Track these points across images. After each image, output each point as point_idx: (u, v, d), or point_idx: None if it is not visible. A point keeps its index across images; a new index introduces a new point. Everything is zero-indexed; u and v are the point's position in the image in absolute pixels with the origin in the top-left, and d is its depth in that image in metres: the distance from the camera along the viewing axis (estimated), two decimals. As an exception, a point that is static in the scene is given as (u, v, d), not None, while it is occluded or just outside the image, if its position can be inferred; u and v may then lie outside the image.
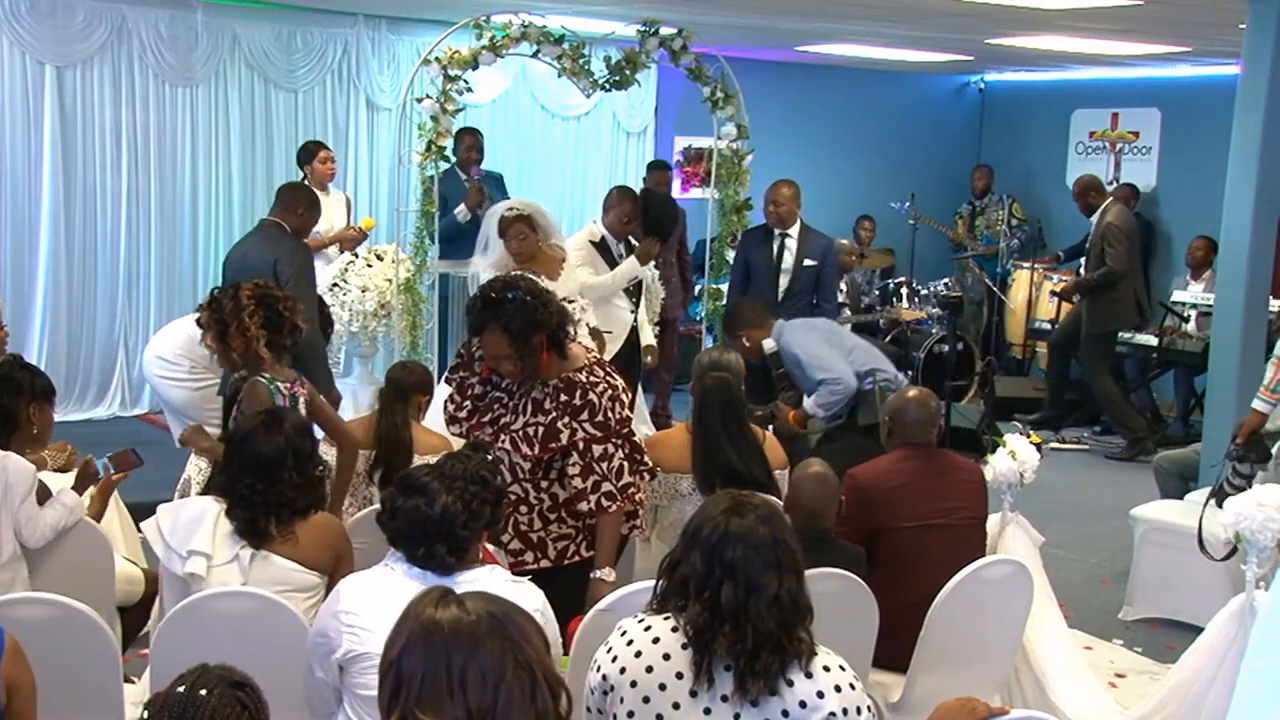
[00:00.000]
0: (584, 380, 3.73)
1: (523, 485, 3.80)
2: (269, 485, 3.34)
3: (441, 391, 4.49)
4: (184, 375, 6.32)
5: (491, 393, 3.85)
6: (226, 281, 5.80)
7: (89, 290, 8.32)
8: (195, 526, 3.37)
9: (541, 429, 3.70)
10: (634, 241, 6.91)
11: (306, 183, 7.34)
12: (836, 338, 5.82)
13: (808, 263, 6.95)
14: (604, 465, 3.72)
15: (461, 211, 7.49)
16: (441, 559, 2.77)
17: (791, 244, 6.98)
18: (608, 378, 3.80)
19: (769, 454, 4.44)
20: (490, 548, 3.50)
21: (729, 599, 2.46)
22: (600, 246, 6.66)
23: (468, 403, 3.87)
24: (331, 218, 7.62)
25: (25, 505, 3.71)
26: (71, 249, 8.21)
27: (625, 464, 3.78)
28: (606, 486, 3.73)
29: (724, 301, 7.62)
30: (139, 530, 4.00)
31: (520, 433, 3.73)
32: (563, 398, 3.70)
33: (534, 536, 3.82)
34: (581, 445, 3.70)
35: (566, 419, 3.69)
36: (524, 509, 3.81)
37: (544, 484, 3.81)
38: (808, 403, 5.57)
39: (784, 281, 6.98)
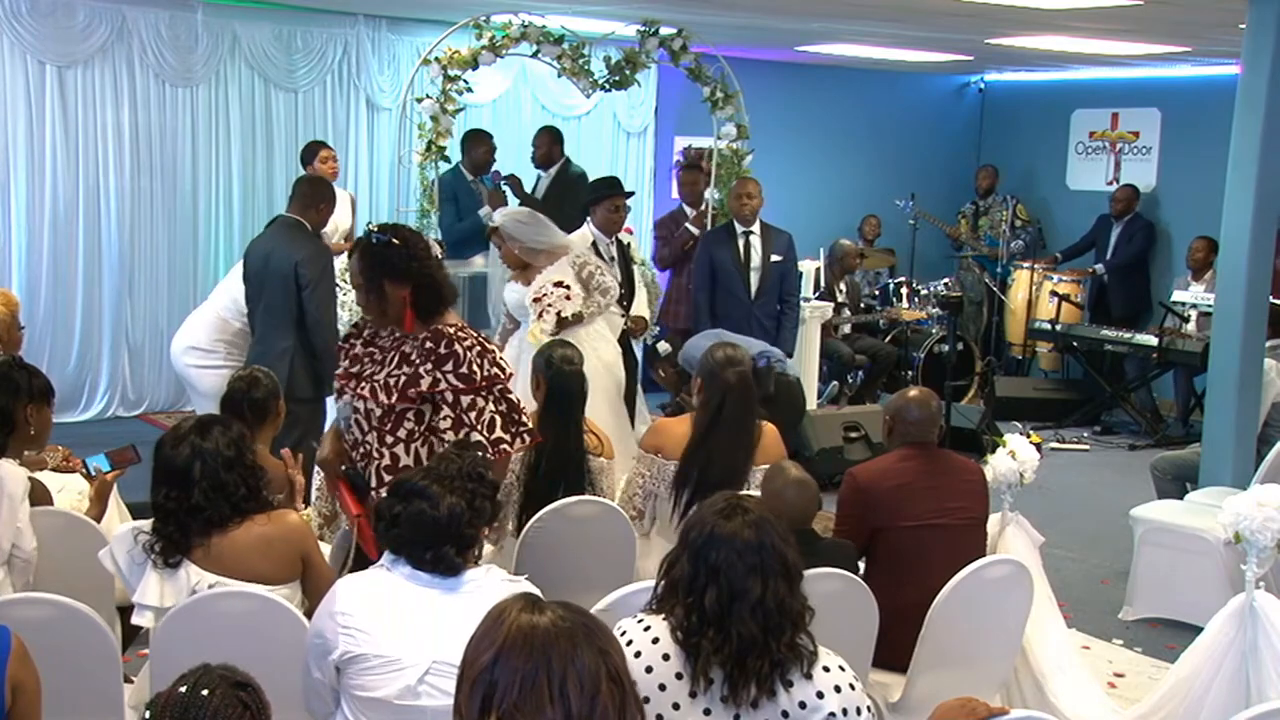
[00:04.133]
0: (452, 333, 3.77)
1: (371, 435, 3.80)
2: (181, 493, 3.27)
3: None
4: (220, 361, 6.42)
5: (371, 346, 3.89)
6: (249, 279, 5.82)
7: (90, 289, 8.33)
8: (146, 565, 3.27)
9: (403, 377, 3.73)
10: (623, 240, 6.89)
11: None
12: (726, 336, 6.18)
13: (774, 258, 6.99)
14: (472, 415, 3.72)
15: (485, 212, 7.50)
16: (450, 560, 2.77)
17: (756, 241, 7.02)
18: (480, 338, 3.84)
19: (771, 447, 4.46)
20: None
21: (712, 603, 2.46)
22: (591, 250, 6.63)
23: (345, 362, 3.90)
24: (336, 218, 7.63)
25: (23, 510, 3.67)
26: (73, 248, 8.23)
27: (497, 418, 3.77)
28: (476, 436, 3.72)
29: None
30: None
31: (380, 381, 3.75)
32: (428, 345, 3.73)
33: (372, 495, 3.77)
34: (450, 397, 3.71)
35: (430, 366, 3.71)
36: (369, 463, 3.79)
37: (389, 439, 3.77)
38: None
39: (755, 280, 7.01)
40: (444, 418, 3.72)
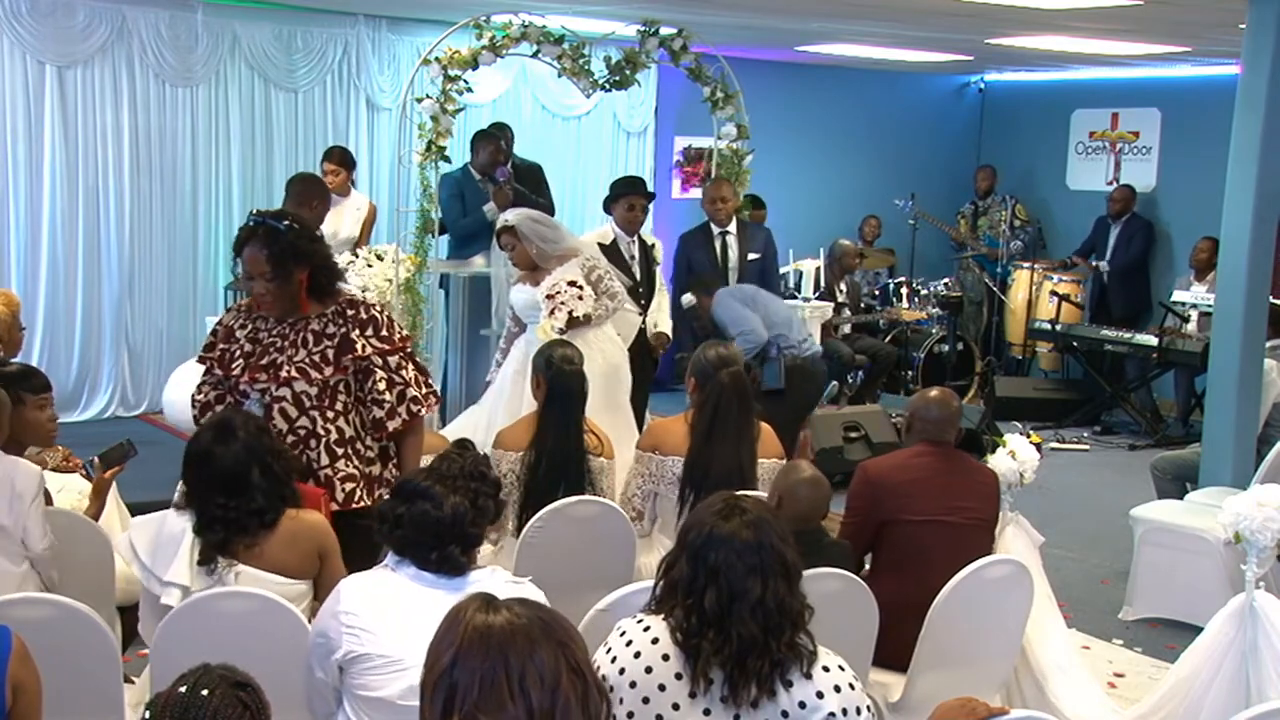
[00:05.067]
0: (363, 299, 3.99)
1: (309, 415, 3.84)
2: (240, 498, 3.26)
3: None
4: None
5: (264, 340, 3.90)
6: None
7: (90, 290, 8.33)
8: (172, 549, 3.28)
9: (332, 349, 3.84)
10: (645, 239, 6.89)
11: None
12: (758, 300, 6.46)
13: (752, 257, 7.00)
14: (403, 374, 3.92)
15: (491, 209, 7.51)
16: (455, 560, 2.77)
17: (732, 240, 7.03)
18: (380, 306, 4.05)
19: (766, 445, 4.51)
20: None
21: (712, 604, 2.46)
22: (610, 249, 6.62)
23: (239, 362, 3.89)
24: (337, 225, 7.61)
25: (33, 509, 3.65)
26: (73, 248, 8.23)
27: (417, 374, 3.98)
28: (411, 392, 3.91)
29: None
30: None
31: (307, 360, 3.83)
32: (350, 312, 3.88)
33: (322, 474, 3.83)
34: (380, 360, 3.88)
35: (358, 331, 3.86)
36: (313, 442, 3.84)
37: (330, 414, 3.85)
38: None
39: (733, 280, 6.99)
40: (379, 380, 3.87)
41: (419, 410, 3.93)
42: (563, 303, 5.69)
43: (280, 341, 3.87)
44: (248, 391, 3.87)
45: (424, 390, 3.96)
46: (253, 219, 3.87)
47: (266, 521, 3.30)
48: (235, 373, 3.88)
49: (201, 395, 4.01)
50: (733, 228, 7.06)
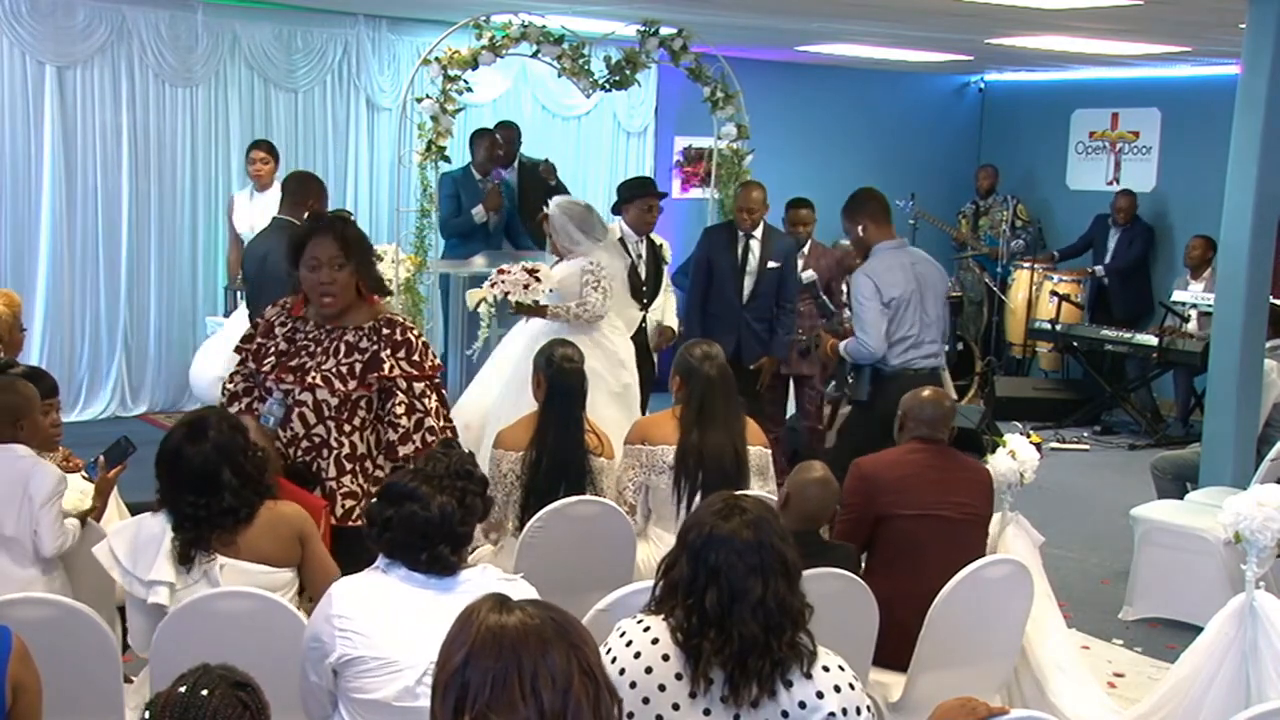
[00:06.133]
0: (402, 320, 3.97)
1: (325, 425, 3.85)
2: (211, 497, 3.26)
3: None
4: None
5: (300, 342, 3.91)
6: (249, 281, 5.80)
7: (89, 290, 8.33)
8: (153, 550, 3.28)
9: (360, 364, 3.84)
10: (654, 239, 6.88)
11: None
12: (899, 306, 5.54)
13: (771, 265, 6.91)
14: (424, 403, 3.90)
15: (479, 212, 7.50)
16: (446, 560, 2.77)
17: (755, 246, 6.94)
18: (419, 330, 4.06)
19: (752, 435, 4.57)
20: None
21: (713, 604, 2.47)
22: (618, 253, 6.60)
23: (270, 359, 3.90)
24: (252, 219, 7.53)
25: (46, 510, 3.65)
26: (72, 248, 8.23)
27: (439, 406, 3.96)
28: (429, 422, 3.89)
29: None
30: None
31: (334, 370, 3.83)
32: (385, 331, 3.88)
33: (328, 485, 3.85)
34: (404, 384, 3.86)
35: (389, 351, 3.85)
36: (325, 452, 3.85)
37: (346, 428, 3.86)
38: (845, 342, 5.72)
39: (748, 284, 6.93)
40: (399, 403, 3.86)
41: (433, 442, 3.86)
42: (503, 281, 5.74)
43: (313, 346, 3.89)
44: (273, 389, 3.89)
45: (442, 423, 3.93)
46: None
47: (241, 517, 3.31)
48: (266, 369, 3.90)
49: (232, 384, 4.06)
50: (758, 233, 7.01)
